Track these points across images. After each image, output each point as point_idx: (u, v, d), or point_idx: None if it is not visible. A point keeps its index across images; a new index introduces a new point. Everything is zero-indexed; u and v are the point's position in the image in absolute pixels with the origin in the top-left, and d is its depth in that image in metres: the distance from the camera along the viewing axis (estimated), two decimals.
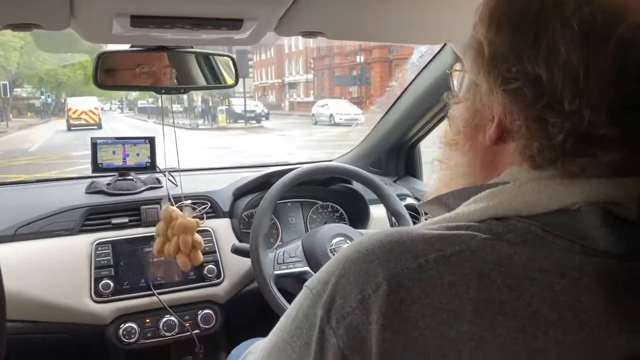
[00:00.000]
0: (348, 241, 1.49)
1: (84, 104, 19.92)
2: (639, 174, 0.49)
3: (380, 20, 1.16)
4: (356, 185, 1.87)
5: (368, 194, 1.79)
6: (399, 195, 1.72)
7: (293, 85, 35.90)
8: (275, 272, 1.42)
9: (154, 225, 1.57)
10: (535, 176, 0.51)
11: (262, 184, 1.78)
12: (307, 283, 0.54)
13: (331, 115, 20.65)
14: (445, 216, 0.54)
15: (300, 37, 1.24)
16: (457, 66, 0.62)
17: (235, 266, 1.64)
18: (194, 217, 1.54)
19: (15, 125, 21.87)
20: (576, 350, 0.45)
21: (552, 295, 0.45)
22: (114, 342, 1.51)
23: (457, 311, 0.45)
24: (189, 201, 1.64)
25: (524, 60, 0.49)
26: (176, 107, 28.63)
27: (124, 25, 0.99)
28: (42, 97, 28.78)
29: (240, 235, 1.72)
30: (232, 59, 1.45)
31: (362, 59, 27.13)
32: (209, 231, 1.67)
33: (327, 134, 16.41)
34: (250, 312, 1.64)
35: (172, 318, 1.55)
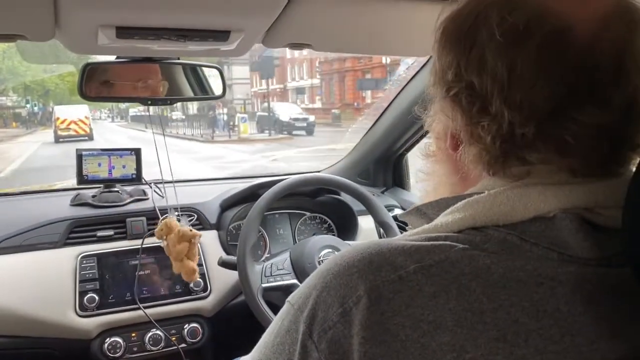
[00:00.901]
0: (336, 253, 1.48)
1: (73, 112, 18.37)
2: (592, 175, 0.51)
3: (367, 33, 1.16)
4: (344, 197, 1.87)
5: (356, 205, 1.79)
6: (386, 206, 1.72)
7: (301, 90, 33.29)
8: (263, 285, 1.41)
9: (140, 238, 1.56)
10: (507, 185, 0.52)
11: (249, 196, 1.77)
12: (289, 298, 0.55)
13: None
14: (425, 227, 0.55)
15: None
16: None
17: (223, 279, 1.62)
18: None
19: None
20: (559, 359, 0.45)
21: (531, 304, 0.46)
22: (99, 357, 1.48)
23: (437, 322, 0.45)
24: (176, 213, 1.62)
25: (461, 69, 0.52)
26: (177, 114, 26.71)
27: (109, 36, 0.98)
28: (28, 105, 27.36)
29: (227, 248, 1.71)
30: (219, 70, 1.45)
31: (389, 60, 22.06)
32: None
33: None
34: (238, 325, 1.62)
35: (158, 332, 1.52)
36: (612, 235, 0.49)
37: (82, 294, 1.48)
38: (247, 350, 0.62)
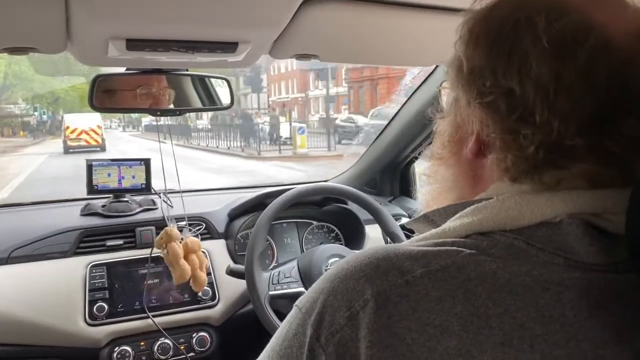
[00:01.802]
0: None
1: (84, 121, 16.94)
2: (614, 185, 0.50)
3: (373, 43, 1.17)
4: (351, 206, 1.88)
5: (363, 214, 1.79)
6: (394, 215, 1.72)
7: (331, 98, 28.89)
8: (270, 293, 1.42)
9: (149, 247, 1.56)
10: (517, 190, 0.52)
11: (257, 205, 1.78)
12: (296, 302, 0.55)
13: None
14: (432, 232, 0.55)
15: None
16: (445, 84, 0.64)
17: (231, 288, 1.63)
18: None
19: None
20: None
21: (537, 309, 0.46)
22: None
23: (444, 326, 0.46)
24: (184, 222, 1.64)
25: (499, 75, 0.51)
26: (201, 123, 23.73)
27: (119, 48, 1.00)
28: (36, 113, 25.66)
29: (235, 257, 1.71)
30: (227, 81, 1.46)
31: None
32: (204, 252, 1.66)
33: None
34: (246, 334, 1.62)
35: (167, 341, 1.53)
36: (619, 241, 0.49)
37: (92, 302, 1.49)
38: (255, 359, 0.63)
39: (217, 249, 1.71)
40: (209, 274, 1.62)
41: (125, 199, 1.77)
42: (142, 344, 1.52)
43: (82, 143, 16.84)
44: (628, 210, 0.47)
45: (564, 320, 0.46)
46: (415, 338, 0.46)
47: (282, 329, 0.55)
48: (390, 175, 2.14)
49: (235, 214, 1.80)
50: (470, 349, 0.45)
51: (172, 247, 1.45)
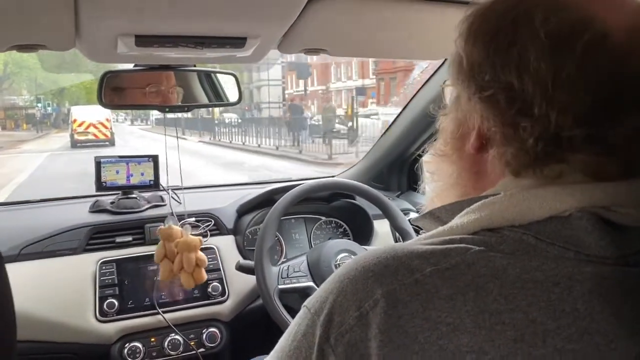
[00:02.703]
0: (353, 257, 1.48)
1: (92, 114, 15.89)
2: (617, 177, 0.50)
3: (382, 37, 1.17)
4: (360, 201, 1.87)
5: (372, 210, 1.79)
6: (402, 210, 1.71)
7: (362, 91, 26.10)
8: (280, 287, 1.42)
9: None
10: (525, 185, 0.52)
11: (265, 201, 1.78)
12: (305, 302, 0.55)
13: None
14: (440, 229, 0.55)
15: None
16: (448, 81, 0.63)
17: (240, 284, 1.63)
18: (196, 234, 1.55)
19: None
20: (577, 358, 0.45)
21: (549, 304, 0.46)
22: None
23: (455, 324, 0.46)
24: (193, 219, 1.64)
25: (497, 69, 0.51)
26: (231, 116, 21.02)
27: (128, 44, 1.00)
28: (39, 105, 23.59)
29: (244, 253, 1.72)
30: (235, 77, 1.46)
31: None
32: (213, 249, 1.67)
33: None
34: (256, 329, 1.63)
35: (177, 337, 1.54)
36: (628, 234, 0.49)
37: (102, 299, 1.50)
38: (265, 354, 0.62)
39: (226, 245, 1.71)
40: (216, 270, 1.63)
41: (134, 196, 1.77)
42: (152, 340, 1.53)
43: (90, 137, 16.11)
44: None
45: (576, 314, 0.45)
46: (427, 336, 0.46)
47: (291, 329, 0.55)
48: (398, 170, 2.14)
49: (244, 210, 1.80)
50: (483, 345, 0.45)
51: (158, 247, 1.50)
